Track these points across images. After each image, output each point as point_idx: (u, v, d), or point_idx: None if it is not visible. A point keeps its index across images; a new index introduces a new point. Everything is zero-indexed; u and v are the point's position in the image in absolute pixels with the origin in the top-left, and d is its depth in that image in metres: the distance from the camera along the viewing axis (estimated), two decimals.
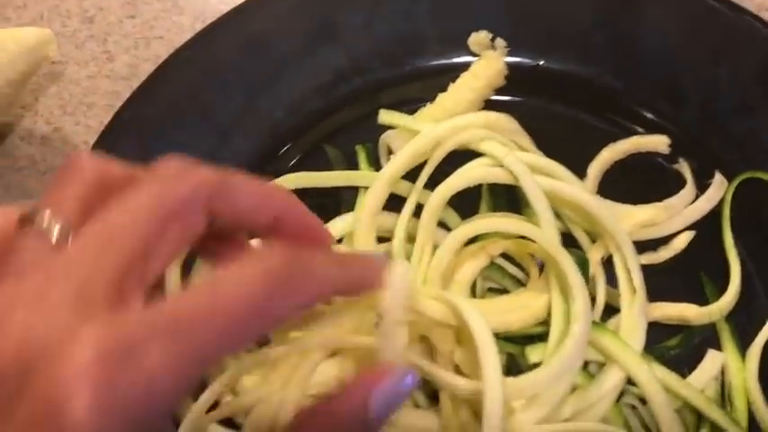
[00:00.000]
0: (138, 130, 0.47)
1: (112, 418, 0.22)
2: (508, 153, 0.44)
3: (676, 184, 0.47)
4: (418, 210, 0.45)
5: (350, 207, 0.47)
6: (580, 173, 0.46)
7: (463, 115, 0.46)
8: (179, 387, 0.23)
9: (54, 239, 0.25)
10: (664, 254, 0.46)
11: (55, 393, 0.21)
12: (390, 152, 0.48)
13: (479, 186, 0.46)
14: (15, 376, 0.22)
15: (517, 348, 0.40)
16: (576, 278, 0.40)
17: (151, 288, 0.26)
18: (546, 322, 0.41)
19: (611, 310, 0.43)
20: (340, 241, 0.46)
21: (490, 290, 0.44)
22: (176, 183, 0.26)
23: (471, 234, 0.42)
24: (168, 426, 0.24)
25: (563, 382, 0.38)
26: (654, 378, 0.39)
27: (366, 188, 0.46)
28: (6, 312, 0.23)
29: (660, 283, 0.44)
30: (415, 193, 0.44)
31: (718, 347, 0.43)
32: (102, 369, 0.22)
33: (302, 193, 0.47)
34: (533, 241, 0.42)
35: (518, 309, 0.41)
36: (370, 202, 0.44)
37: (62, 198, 0.26)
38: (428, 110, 0.48)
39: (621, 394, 0.41)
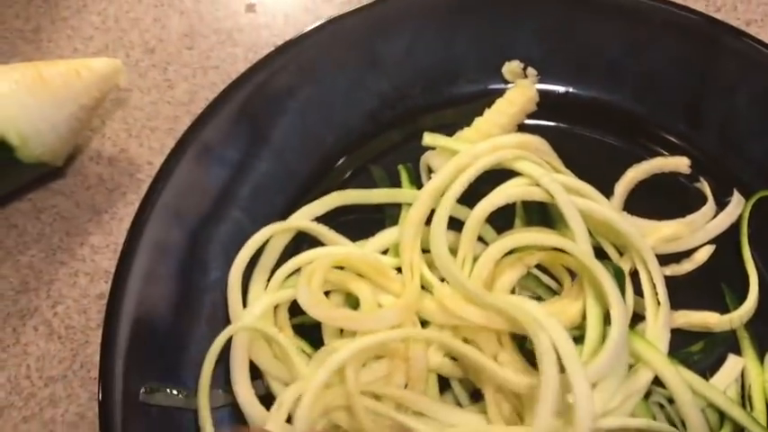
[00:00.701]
0: (198, 151, 0.51)
1: None
2: (544, 173, 0.47)
3: (697, 201, 0.51)
4: (453, 224, 0.49)
5: (393, 222, 0.50)
6: (606, 192, 0.50)
7: (499, 136, 0.50)
8: None
9: None
10: (686, 266, 0.49)
11: None
12: (430, 171, 0.52)
13: (513, 204, 0.50)
14: None
15: None
16: (611, 287, 0.43)
17: None
18: (580, 327, 0.45)
19: (636, 317, 0.47)
20: (385, 252, 0.49)
21: None
22: None
23: (511, 246, 0.46)
24: None
25: (611, 377, 0.41)
26: (680, 378, 0.42)
27: (408, 204, 0.50)
28: None
29: (683, 293, 0.48)
30: (446, 201, 0.47)
31: (739, 353, 0.47)
32: None
33: (350, 210, 0.51)
34: (567, 254, 0.46)
35: (554, 315, 0.44)
36: (414, 214, 0.48)
37: None
38: (466, 133, 0.52)
39: (649, 393, 0.44)
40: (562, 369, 0.40)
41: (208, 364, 0.45)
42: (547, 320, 0.41)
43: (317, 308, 0.43)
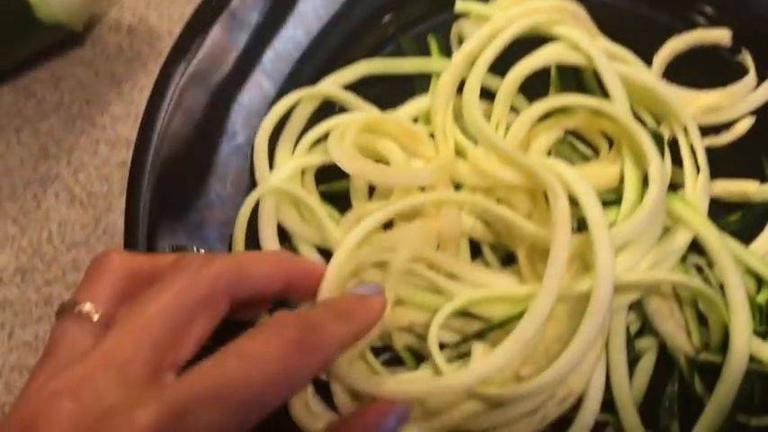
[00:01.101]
0: (221, 16, 0.49)
1: None
2: (583, 36, 0.46)
3: (738, 74, 0.49)
4: (486, 96, 0.47)
5: (424, 92, 0.49)
6: (645, 64, 0.48)
7: (534, 1, 0.48)
8: None
9: (93, 329, 0.30)
10: (726, 137, 0.48)
11: None
12: (461, 42, 0.51)
13: (548, 76, 0.48)
14: None
15: None
16: (649, 145, 0.42)
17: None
18: (617, 191, 0.43)
19: (674, 188, 0.45)
20: (416, 121, 0.48)
21: None
22: (199, 279, 0.31)
23: (548, 108, 0.44)
24: None
25: (646, 237, 0.40)
26: (720, 238, 0.41)
27: (438, 75, 0.48)
28: (56, 399, 0.27)
29: (722, 164, 0.47)
30: (479, 65, 0.46)
31: None
32: (166, 426, 0.26)
33: (378, 81, 0.49)
34: (605, 118, 0.45)
35: (592, 176, 0.43)
36: (446, 79, 0.46)
37: (98, 291, 0.31)
38: (500, 1, 0.50)
39: (685, 259, 0.43)
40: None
41: (240, 224, 0.44)
42: (576, 180, 0.40)
43: (350, 161, 0.42)
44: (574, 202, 0.40)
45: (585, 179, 0.41)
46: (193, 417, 0.27)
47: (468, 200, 0.43)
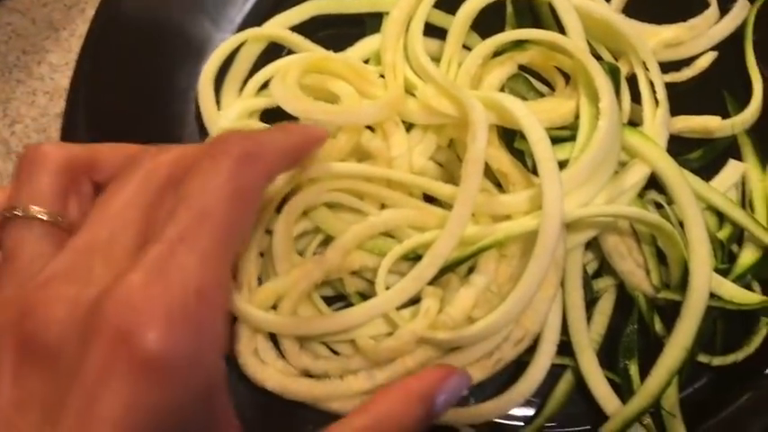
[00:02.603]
0: None
1: (180, 323, 0.24)
2: None
3: (700, 7, 0.48)
4: (440, 33, 0.45)
5: (375, 32, 0.47)
6: None
7: None
8: (216, 277, 0.26)
9: (46, 231, 0.29)
10: (687, 73, 0.46)
11: (126, 318, 0.24)
12: None
13: (502, 14, 0.46)
14: (78, 331, 0.25)
15: None
16: (603, 79, 0.40)
17: None
18: (571, 127, 0.42)
19: (633, 125, 0.44)
20: (367, 62, 0.46)
21: None
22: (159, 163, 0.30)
23: (501, 42, 0.43)
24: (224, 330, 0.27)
25: (599, 174, 0.39)
26: (679, 171, 0.40)
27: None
28: (47, 287, 0.26)
29: (683, 101, 0.45)
30: (425, 3, 0.44)
31: (739, 160, 0.44)
32: (154, 280, 0.25)
33: (327, 23, 0.47)
34: (560, 54, 0.43)
35: (546, 111, 0.41)
36: (396, 14, 0.44)
37: (38, 189, 0.29)
38: None
39: (642, 196, 0.42)
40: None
41: None
42: (524, 114, 0.38)
43: (294, 101, 0.39)
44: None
45: (535, 114, 0.40)
46: (175, 263, 0.25)
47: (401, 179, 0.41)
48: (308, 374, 0.40)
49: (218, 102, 0.45)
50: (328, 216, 0.41)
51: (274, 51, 0.47)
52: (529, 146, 0.39)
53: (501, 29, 0.46)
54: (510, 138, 0.41)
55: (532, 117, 0.38)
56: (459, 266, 0.39)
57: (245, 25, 0.47)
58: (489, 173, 0.41)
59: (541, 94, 0.44)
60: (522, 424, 0.41)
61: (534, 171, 0.41)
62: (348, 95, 0.42)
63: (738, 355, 0.41)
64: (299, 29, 0.47)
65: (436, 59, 0.44)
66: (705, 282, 0.39)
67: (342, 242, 0.39)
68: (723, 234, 0.42)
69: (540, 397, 0.41)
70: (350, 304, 0.41)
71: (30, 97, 0.49)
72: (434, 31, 0.46)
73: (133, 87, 0.45)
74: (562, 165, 0.39)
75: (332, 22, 0.47)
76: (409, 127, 0.43)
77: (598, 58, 0.45)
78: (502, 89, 0.43)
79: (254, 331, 0.39)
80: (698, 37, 0.47)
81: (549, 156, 0.37)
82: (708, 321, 0.40)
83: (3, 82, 0.49)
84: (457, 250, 0.38)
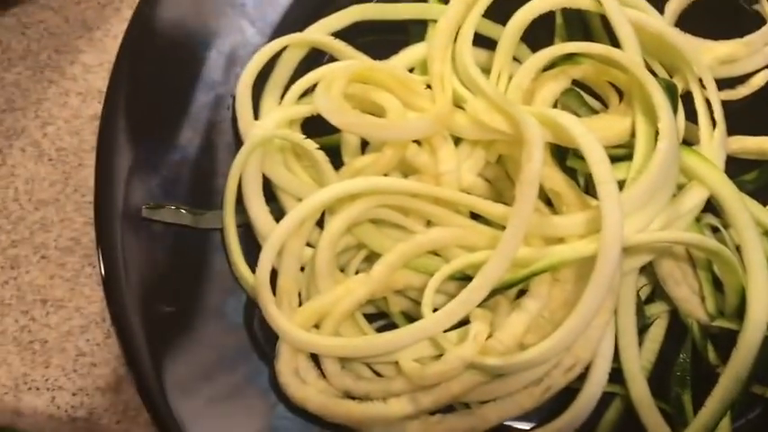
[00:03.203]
0: None
1: None
2: None
3: (755, 25, 0.46)
4: (488, 44, 0.44)
5: (420, 41, 0.45)
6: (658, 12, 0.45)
7: None
8: None
9: None
10: (742, 90, 0.45)
11: None
12: None
13: (552, 26, 0.45)
14: None
15: None
16: (661, 98, 0.39)
17: None
18: (627, 145, 0.40)
19: (689, 146, 0.42)
20: (411, 71, 0.45)
21: None
22: None
23: (554, 54, 0.41)
24: None
25: (658, 197, 0.37)
26: (738, 196, 0.38)
27: (436, 22, 0.45)
28: None
29: (738, 119, 0.44)
30: (476, 9, 0.43)
31: None
32: None
33: (371, 29, 0.46)
34: (615, 68, 0.42)
35: (601, 129, 0.40)
36: (444, 23, 0.43)
37: None
38: None
39: (699, 219, 0.40)
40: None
41: (233, 178, 0.41)
42: (581, 133, 0.37)
43: (338, 113, 0.38)
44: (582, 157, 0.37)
45: (592, 132, 0.38)
46: None
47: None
48: (349, 396, 0.38)
49: (259, 109, 0.44)
50: (373, 232, 0.40)
51: (317, 58, 0.45)
52: (581, 164, 0.38)
53: (549, 41, 0.45)
54: (562, 155, 0.39)
55: (591, 136, 0.37)
56: (510, 290, 0.38)
57: (283, 29, 0.46)
58: (540, 191, 0.40)
59: (594, 111, 0.43)
60: None
61: (587, 191, 0.40)
62: (394, 108, 0.41)
63: None
64: (342, 34, 0.45)
65: (485, 71, 0.43)
66: (763, 310, 0.37)
67: (388, 260, 0.38)
68: None
69: (587, 426, 0.40)
70: (391, 321, 0.40)
71: (62, 98, 0.48)
72: (482, 42, 0.45)
73: (170, 91, 0.44)
74: (618, 186, 0.38)
75: (374, 28, 0.46)
76: (456, 141, 0.41)
77: (652, 73, 0.44)
78: (555, 105, 0.42)
79: (296, 351, 0.38)
80: (754, 54, 0.45)
81: (609, 178, 0.35)
82: (764, 351, 0.38)
83: (34, 82, 0.48)
84: (508, 273, 0.37)
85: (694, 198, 0.39)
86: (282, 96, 0.44)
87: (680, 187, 0.40)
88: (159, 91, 0.43)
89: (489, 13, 0.44)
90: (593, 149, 0.36)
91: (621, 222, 0.35)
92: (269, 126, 0.42)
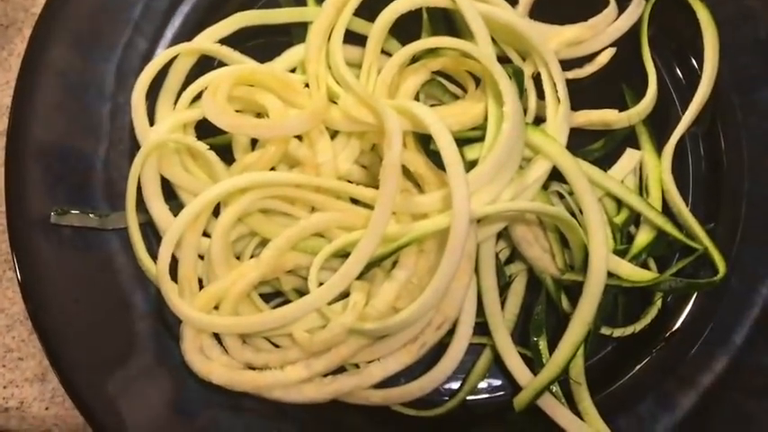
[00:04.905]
0: None
1: None
2: None
3: (602, 5, 0.51)
4: (363, 40, 0.48)
5: (301, 42, 0.50)
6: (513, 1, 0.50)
7: None
8: None
9: None
10: (588, 69, 0.50)
11: None
12: None
13: (419, 20, 0.50)
14: None
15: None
16: (506, 84, 0.44)
17: None
18: (482, 127, 0.45)
19: (541, 121, 0.48)
20: (293, 71, 0.49)
21: (432, 106, 0.48)
22: None
23: (415, 50, 0.46)
24: None
25: (505, 172, 0.43)
26: (576, 164, 0.44)
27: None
28: None
29: (586, 95, 0.49)
30: (345, 12, 0.47)
31: (638, 149, 0.49)
32: None
33: (256, 34, 0.50)
34: (471, 59, 0.47)
35: (457, 114, 0.45)
36: (317, 26, 0.47)
37: None
38: None
39: (548, 187, 0.46)
40: None
41: (132, 182, 0.45)
42: (433, 122, 0.42)
43: (223, 117, 0.43)
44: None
45: (447, 117, 0.44)
46: None
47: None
48: (251, 367, 0.43)
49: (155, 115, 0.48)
50: (263, 221, 0.44)
51: (207, 63, 0.49)
52: None
53: (419, 33, 0.50)
54: (427, 141, 0.45)
55: (440, 124, 0.42)
56: (384, 262, 0.43)
57: (177, 40, 0.50)
58: (411, 173, 0.45)
59: (456, 97, 0.48)
60: (447, 398, 0.45)
61: None
62: (275, 108, 0.45)
63: (636, 327, 0.46)
64: (229, 40, 0.49)
65: (358, 66, 0.48)
66: (602, 263, 0.43)
67: (275, 245, 0.43)
68: (620, 218, 0.46)
69: (465, 373, 0.45)
70: (288, 299, 0.45)
71: None
72: (358, 39, 0.49)
73: (71, 104, 0.47)
74: (473, 163, 0.43)
75: (260, 32, 0.50)
76: (334, 133, 0.46)
77: (507, 59, 0.49)
78: (417, 95, 0.47)
79: (199, 331, 0.43)
80: (598, 35, 0.51)
81: (456, 159, 0.41)
82: (608, 298, 0.45)
83: None
84: (380, 247, 0.42)
85: (539, 170, 0.44)
86: (176, 102, 0.48)
87: (528, 161, 0.45)
88: (61, 104, 0.47)
89: (362, 12, 0.48)
90: (442, 135, 0.41)
91: (468, 197, 0.40)
92: (163, 131, 0.46)
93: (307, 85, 0.47)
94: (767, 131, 0.48)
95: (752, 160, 0.48)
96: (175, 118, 0.46)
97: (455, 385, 0.46)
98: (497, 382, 0.46)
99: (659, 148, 0.49)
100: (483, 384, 0.46)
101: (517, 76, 0.46)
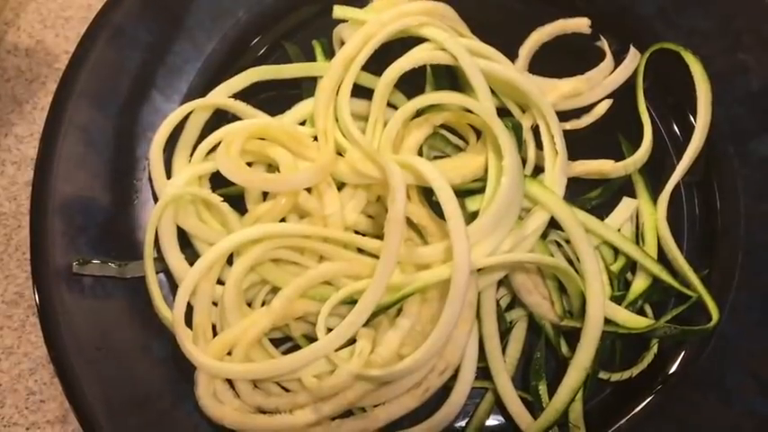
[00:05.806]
0: (110, 35, 0.51)
1: None
2: (448, 37, 0.49)
3: (600, 60, 0.54)
4: (369, 91, 0.51)
5: (310, 95, 0.52)
6: (512, 54, 0.52)
7: (405, 4, 0.51)
8: None
9: None
10: (586, 119, 0.53)
11: None
12: (343, 44, 0.54)
13: (424, 72, 0.52)
14: None
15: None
16: (506, 139, 0.46)
17: None
18: (483, 178, 0.48)
19: (540, 170, 0.50)
20: (303, 123, 0.51)
21: (435, 158, 0.50)
22: None
23: (418, 106, 0.48)
24: None
25: (504, 223, 0.45)
26: (573, 215, 0.46)
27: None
28: None
29: (583, 145, 0.51)
30: (352, 69, 0.49)
31: (634, 197, 0.51)
32: None
33: (267, 87, 0.52)
34: (472, 113, 0.49)
35: (459, 167, 0.47)
36: (326, 83, 0.49)
37: None
38: (375, 3, 0.53)
39: (546, 236, 0.48)
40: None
41: (150, 233, 0.47)
42: (434, 177, 0.44)
43: (236, 172, 0.45)
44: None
45: (449, 170, 0.46)
46: None
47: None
48: (261, 411, 0.45)
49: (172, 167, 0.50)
50: (274, 269, 0.46)
51: (222, 114, 0.52)
52: None
53: (423, 85, 0.52)
54: (430, 193, 0.47)
55: (442, 179, 0.44)
56: (389, 310, 0.45)
57: (192, 94, 0.53)
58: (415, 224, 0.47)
59: (459, 148, 0.50)
60: None
61: None
62: (285, 162, 0.47)
63: (633, 371, 0.47)
64: (242, 92, 0.52)
65: (365, 118, 0.50)
66: (599, 311, 0.45)
67: (285, 294, 0.45)
68: (617, 265, 0.48)
69: (467, 416, 0.47)
70: (297, 344, 0.47)
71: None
72: (364, 90, 0.51)
73: (93, 159, 0.49)
74: (475, 214, 0.45)
75: (272, 85, 0.53)
76: (342, 184, 0.49)
77: (508, 112, 0.51)
78: (421, 148, 0.49)
79: (212, 376, 0.45)
80: (595, 87, 0.53)
81: (457, 214, 0.43)
82: (606, 343, 0.46)
83: None
84: (385, 296, 0.44)
85: (537, 220, 0.46)
86: (191, 154, 0.51)
87: (527, 211, 0.47)
88: (83, 159, 0.49)
89: (369, 63, 0.51)
90: (444, 191, 0.43)
91: (468, 251, 0.42)
92: (179, 183, 0.48)
93: (315, 138, 0.50)
94: (761, 180, 0.50)
95: (746, 209, 0.50)
96: (191, 171, 0.49)
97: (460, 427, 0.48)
98: (499, 424, 0.47)
99: (655, 197, 0.51)
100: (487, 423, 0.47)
101: (516, 129, 0.48)
